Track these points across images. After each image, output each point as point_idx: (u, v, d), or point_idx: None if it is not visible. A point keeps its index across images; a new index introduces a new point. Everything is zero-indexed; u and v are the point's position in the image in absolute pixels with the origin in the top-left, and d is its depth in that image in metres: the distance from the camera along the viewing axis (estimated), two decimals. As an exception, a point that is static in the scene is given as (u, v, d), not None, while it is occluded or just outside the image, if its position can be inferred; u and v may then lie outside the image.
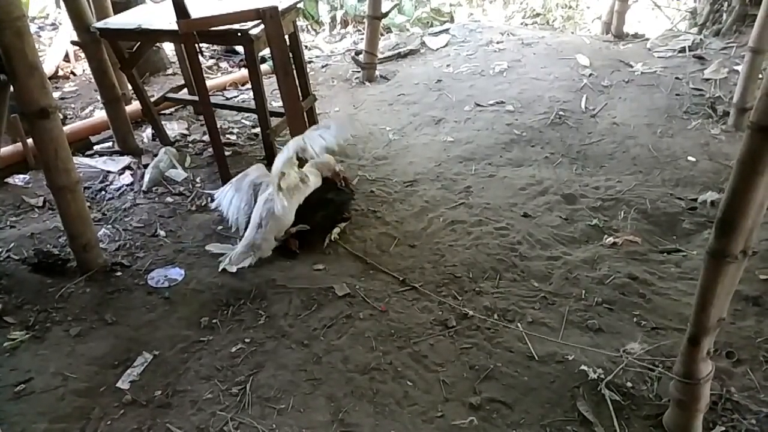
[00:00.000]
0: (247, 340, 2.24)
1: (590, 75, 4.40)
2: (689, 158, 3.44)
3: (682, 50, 4.63)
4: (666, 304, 2.39)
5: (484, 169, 3.46)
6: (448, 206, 3.10)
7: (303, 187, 2.68)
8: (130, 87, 3.78)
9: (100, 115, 3.96)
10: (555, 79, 4.39)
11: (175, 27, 2.85)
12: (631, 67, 4.48)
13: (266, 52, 3.48)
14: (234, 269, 2.57)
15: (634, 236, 2.82)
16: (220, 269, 2.59)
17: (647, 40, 4.98)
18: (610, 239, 2.80)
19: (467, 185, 3.28)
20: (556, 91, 4.23)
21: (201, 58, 2.99)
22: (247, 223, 2.68)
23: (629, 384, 2.00)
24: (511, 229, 2.87)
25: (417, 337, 2.23)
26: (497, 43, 5.13)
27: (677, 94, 4.08)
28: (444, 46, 5.32)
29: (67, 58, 5.21)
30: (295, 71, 3.20)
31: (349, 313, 2.33)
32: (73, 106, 4.51)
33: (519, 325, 2.28)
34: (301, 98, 3.30)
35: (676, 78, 4.25)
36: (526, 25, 6.91)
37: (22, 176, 3.43)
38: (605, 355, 2.11)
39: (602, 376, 2.01)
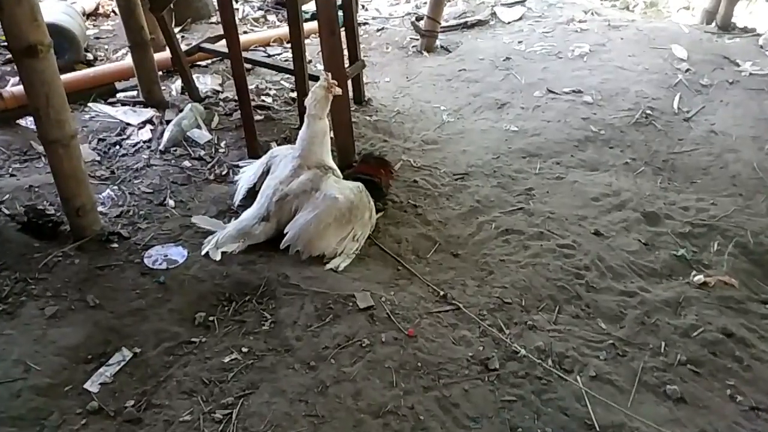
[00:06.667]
0: (244, 350, 1.89)
1: (687, 70, 3.86)
2: (804, 184, 2.86)
3: (803, 51, 3.95)
4: (770, 375, 1.89)
5: (551, 169, 2.97)
6: (504, 210, 2.63)
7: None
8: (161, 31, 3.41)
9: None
10: (644, 71, 3.86)
11: (209, -36, 2.43)
12: (738, 65, 3.91)
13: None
14: (218, 257, 2.22)
15: (729, 277, 2.30)
16: (202, 253, 2.25)
17: (759, 35, 4.35)
18: (700, 277, 2.28)
19: (529, 187, 2.81)
20: (645, 85, 3.70)
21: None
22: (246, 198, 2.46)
23: (717, 484, 1.53)
24: (578, 249, 2.38)
25: (449, 376, 1.81)
26: (579, 21, 4.61)
27: (792, 104, 3.45)
28: (517, 20, 4.84)
29: (109, -5, 4.89)
30: (344, 32, 2.75)
31: (369, 333, 1.92)
32: (106, 47, 4.21)
33: (579, 378, 1.82)
34: (347, 63, 2.85)
35: (793, 84, 3.61)
36: (604, 6, 6.21)
37: (34, 118, 3.13)
38: (688, 439, 1.64)
39: (683, 468, 1.55)
